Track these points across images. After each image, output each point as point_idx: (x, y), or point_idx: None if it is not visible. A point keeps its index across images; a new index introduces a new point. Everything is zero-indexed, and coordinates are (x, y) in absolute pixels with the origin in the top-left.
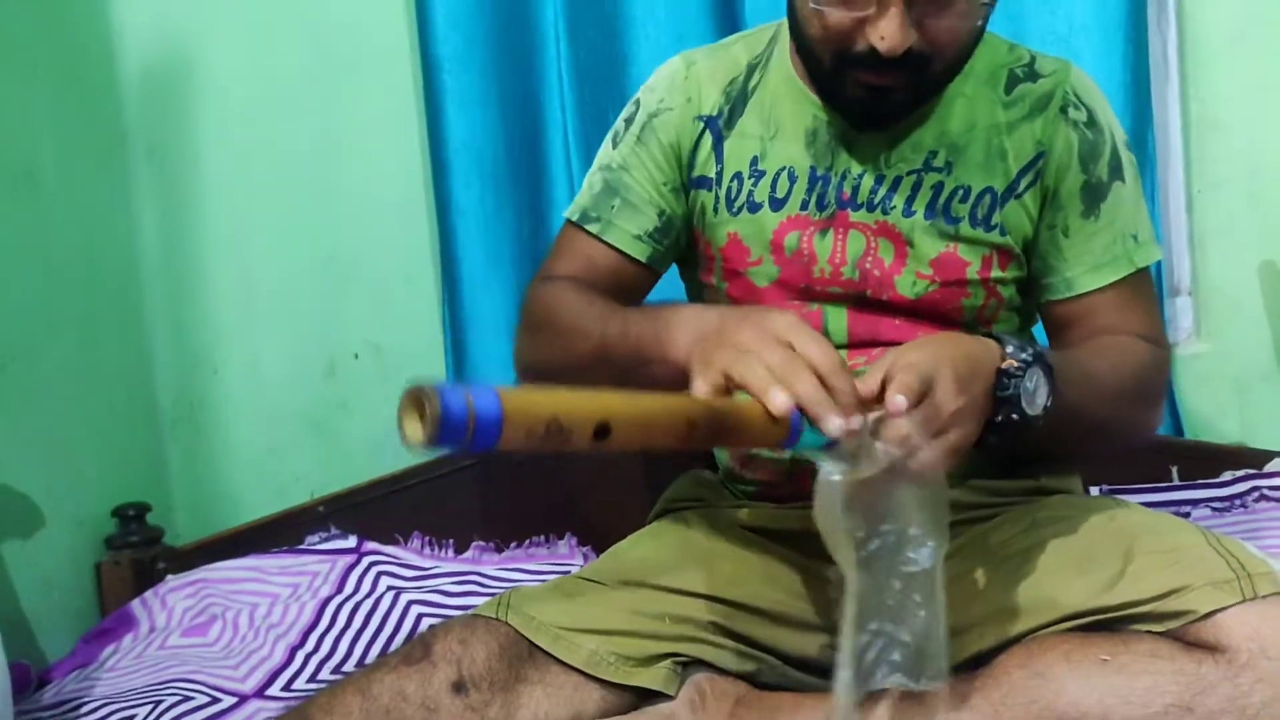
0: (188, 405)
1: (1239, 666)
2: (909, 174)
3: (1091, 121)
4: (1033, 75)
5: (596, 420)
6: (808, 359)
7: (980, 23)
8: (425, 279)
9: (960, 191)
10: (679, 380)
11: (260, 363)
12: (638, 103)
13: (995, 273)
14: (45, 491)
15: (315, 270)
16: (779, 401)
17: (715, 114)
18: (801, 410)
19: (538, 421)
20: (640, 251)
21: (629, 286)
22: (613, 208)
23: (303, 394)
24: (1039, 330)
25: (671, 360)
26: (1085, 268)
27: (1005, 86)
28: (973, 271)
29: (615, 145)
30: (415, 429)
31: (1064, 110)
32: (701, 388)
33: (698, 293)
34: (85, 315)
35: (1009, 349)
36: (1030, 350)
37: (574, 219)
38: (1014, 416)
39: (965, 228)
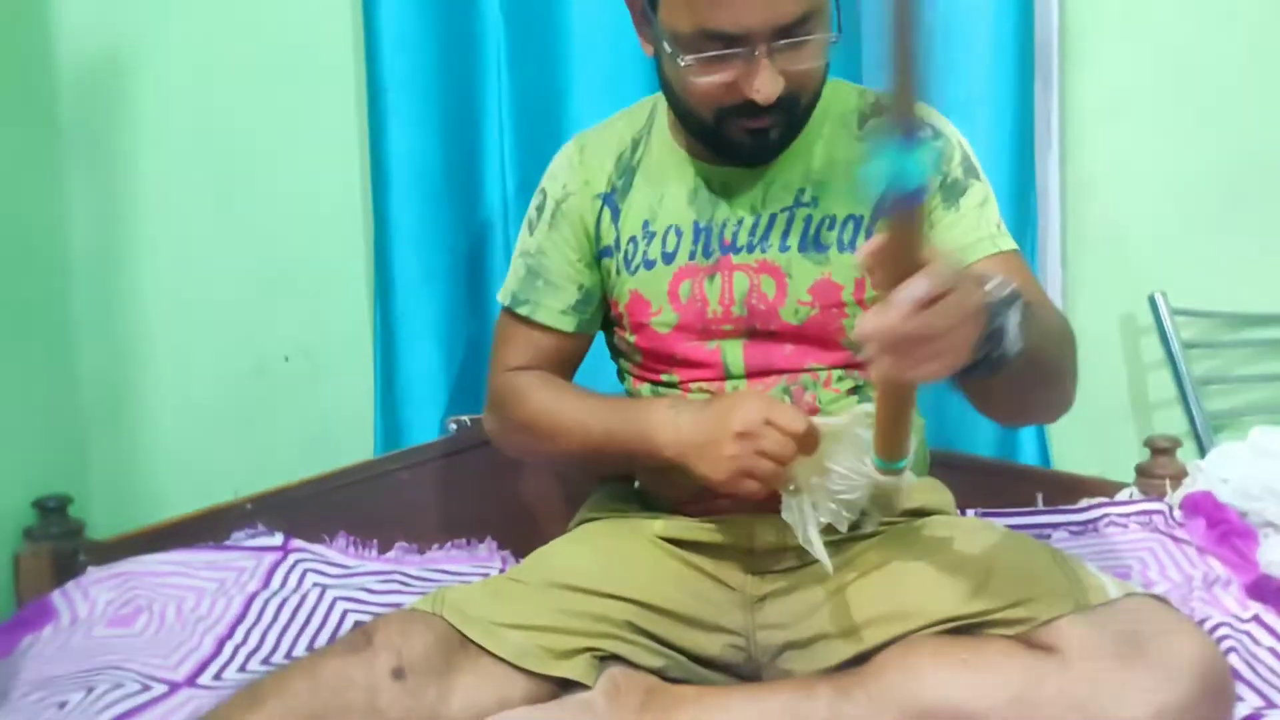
0: (113, 399)
1: (1069, 664)
2: (782, 211)
3: (936, 134)
4: (879, 111)
5: None
6: (783, 429)
7: (827, 60)
8: (357, 288)
9: (827, 220)
10: (670, 466)
11: (189, 360)
12: (544, 192)
13: (869, 292)
14: None
15: (248, 272)
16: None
17: (610, 190)
18: None
19: None
20: (567, 324)
21: (568, 355)
22: (537, 289)
23: (230, 393)
24: None
25: (663, 459)
26: (953, 249)
27: (857, 124)
28: (847, 294)
29: (531, 232)
30: None
31: None
32: (724, 483)
33: (613, 344)
34: (10, 306)
35: (989, 285)
36: (1010, 286)
37: (506, 303)
38: (997, 351)
39: (834, 253)
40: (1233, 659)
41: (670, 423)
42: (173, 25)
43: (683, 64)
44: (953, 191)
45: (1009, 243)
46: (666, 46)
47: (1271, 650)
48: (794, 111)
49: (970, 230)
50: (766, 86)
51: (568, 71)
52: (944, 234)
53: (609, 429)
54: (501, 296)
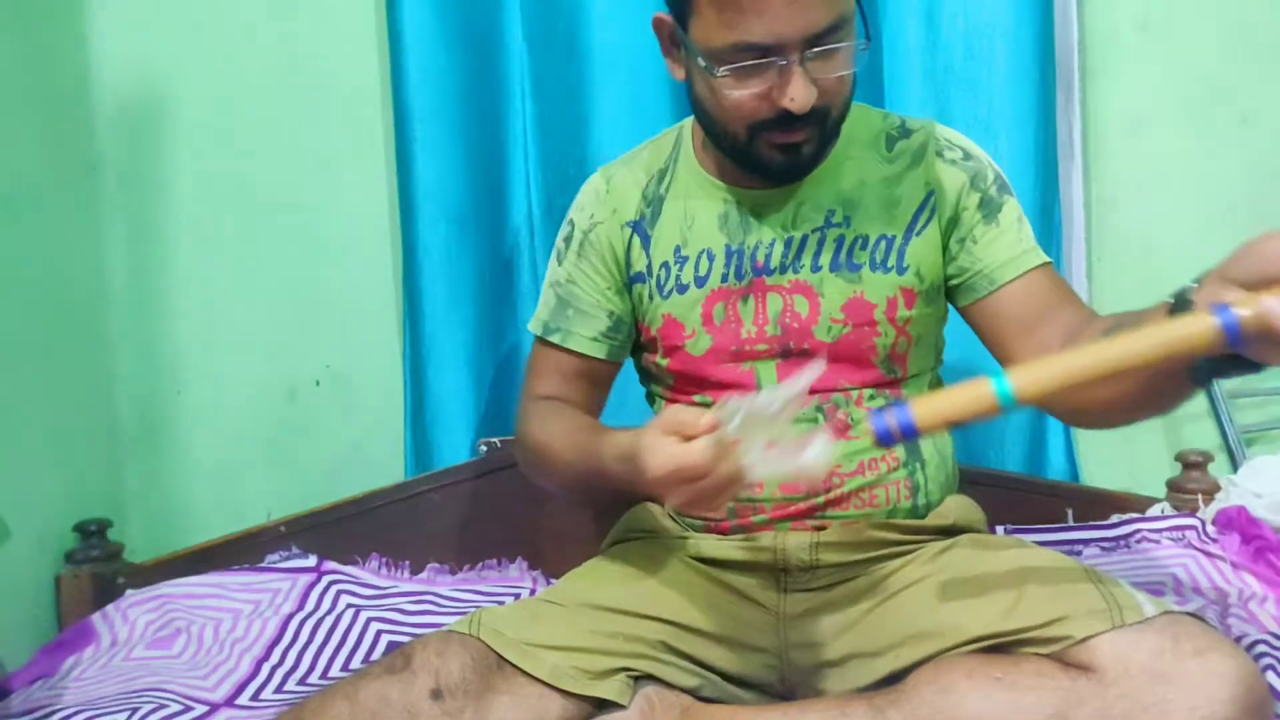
0: (149, 425)
1: (1106, 683)
2: (813, 232)
3: (967, 155)
4: (906, 133)
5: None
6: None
7: (856, 68)
8: (387, 312)
9: (859, 240)
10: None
11: (222, 386)
12: (572, 223)
13: (901, 311)
14: (8, 505)
15: (280, 299)
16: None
17: (639, 218)
18: None
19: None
20: (598, 350)
21: (597, 380)
22: (568, 317)
23: (263, 417)
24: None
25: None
26: (998, 263)
27: (885, 146)
28: (879, 313)
29: (560, 263)
30: None
31: (940, 154)
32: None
33: (644, 369)
34: (50, 335)
35: None
36: None
37: (538, 333)
38: None
39: (866, 272)
40: (1270, 677)
41: (631, 478)
42: (205, 61)
43: (718, 75)
44: (991, 208)
45: (1043, 257)
46: (700, 61)
47: None
48: (825, 124)
49: (1014, 244)
50: (801, 94)
51: (591, 97)
52: (988, 248)
53: (603, 469)
54: (533, 326)
